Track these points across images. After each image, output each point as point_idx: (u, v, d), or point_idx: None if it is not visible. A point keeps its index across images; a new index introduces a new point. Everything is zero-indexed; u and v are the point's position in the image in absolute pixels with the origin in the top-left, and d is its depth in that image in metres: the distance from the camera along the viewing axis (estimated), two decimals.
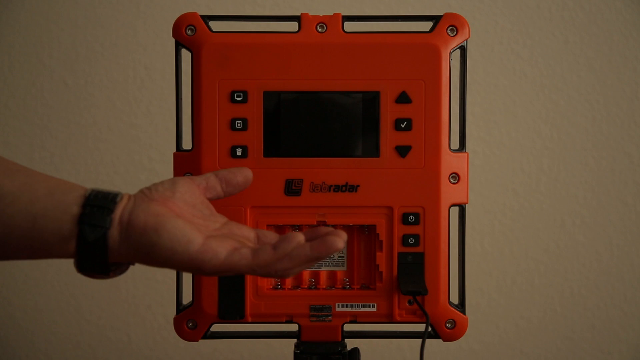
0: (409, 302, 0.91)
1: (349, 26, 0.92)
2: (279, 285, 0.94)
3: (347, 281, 0.94)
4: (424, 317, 0.91)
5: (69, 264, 1.44)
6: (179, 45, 0.92)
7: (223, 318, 0.92)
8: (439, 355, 1.41)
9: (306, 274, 0.94)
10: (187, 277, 0.93)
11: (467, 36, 0.92)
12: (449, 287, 0.92)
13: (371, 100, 0.91)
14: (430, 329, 0.92)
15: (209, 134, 0.91)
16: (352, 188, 0.91)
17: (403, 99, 0.91)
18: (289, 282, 0.94)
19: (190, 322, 0.92)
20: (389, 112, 0.91)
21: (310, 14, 0.91)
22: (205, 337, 0.93)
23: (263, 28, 0.94)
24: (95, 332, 1.42)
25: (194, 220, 0.80)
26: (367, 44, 0.91)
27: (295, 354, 0.93)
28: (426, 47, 0.91)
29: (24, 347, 1.43)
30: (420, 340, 0.88)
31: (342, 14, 0.91)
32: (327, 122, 0.91)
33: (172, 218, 0.77)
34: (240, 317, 0.91)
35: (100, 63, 1.40)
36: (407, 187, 0.91)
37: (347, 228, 0.94)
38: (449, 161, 0.91)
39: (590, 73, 1.41)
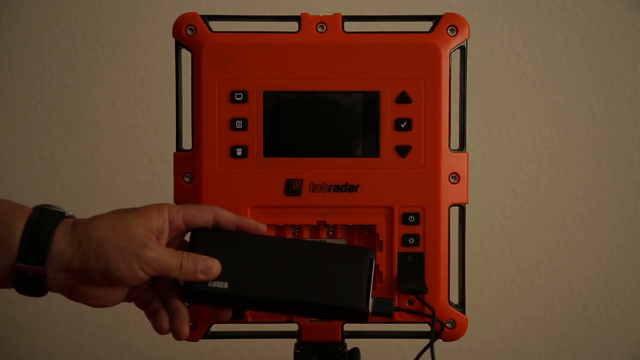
0: (409, 302, 0.91)
1: (349, 26, 0.91)
2: None
3: None
4: (424, 317, 0.91)
5: None
6: (179, 45, 0.92)
7: None
8: (439, 355, 1.41)
9: None
10: None
11: (467, 36, 0.92)
12: (449, 287, 0.92)
13: (371, 100, 0.91)
14: (431, 328, 0.92)
15: (209, 134, 0.91)
16: (352, 188, 0.91)
17: (403, 99, 0.91)
18: None
19: (190, 322, 0.92)
20: (389, 112, 0.91)
21: (310, 14, 0.91)
22: (205, 337, 0.93)
23: (263, 28, 0.94)
24: (95, 332, 1.42)
25: None
26: (367, 44, 0.91)
27: (295, 354, 0.93)
28: (426, 47, 0.91)
29: (24, 347, 1.43)
30: (422, 340, 0.88)
31: (342, 14, 0.91)
32: (327, 122, 0.91)
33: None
34: (240, 317, 0.91)
35: (100, 63, 1.40)
36: (407, 187, 0.91)
37: (347, 228, 0.94)
38: (449, 161, 0.91)
39: (590, 73, 1.41)
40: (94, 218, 0.82)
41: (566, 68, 1.41)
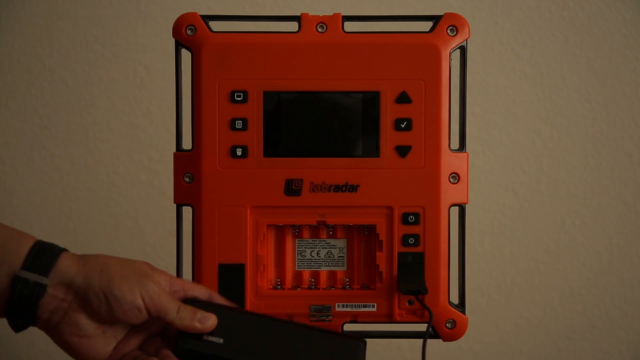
0: (409, 302, 0.91)
1: (349, 26, 0.91)
2: (279, 285, 0.94)
3: (347, 281, 0.94)
4: (424, 317, 0.91)
5: None
6: (179, 45, 0.92)
7: None
8: (439, 355, 1.41)
9: (306, 274, 0.94)
10: (187, 277, 0.93)
11: (467, 36, 0.92)
12: (449, 287, 0.92)
13: (371, 100, 0.91)
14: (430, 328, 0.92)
15: (209, 134, 0.91)
16: (352, 188, 0.91)
17: (403, 99, 0.91)
18: (288, 282, 0.94)
19: None
20: (389, 112, 0.91)
21: (310, 14, 0.91)
22: None
23: (263, 28, 0.94)
24: None
25: None
26: (367, 44, 0.91)
27: None
28: (426, 47, 0.91)
29: (24, 347, 1.43)
30: (421, 340, 0.88)
31: (342, 14, 0.91)
32: (327, 122, 0.91)
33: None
34: None
35: (100, 63, 1.40)
36: (407, 187, 0.91)
37: (347, 228, 0.94)
38: (449, 161, 0.91)
39: (590, 73, 1.41)
40: (101, 254, 0.83)
41: (566, 68, 1.41)
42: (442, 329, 0.92)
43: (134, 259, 0.83)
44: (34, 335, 1.42)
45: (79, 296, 0.79)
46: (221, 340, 0.82)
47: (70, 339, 0.81)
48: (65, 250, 0.81)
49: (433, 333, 0.92)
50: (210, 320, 0.82)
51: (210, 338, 0.82)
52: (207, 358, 0.83)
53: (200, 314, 0.82)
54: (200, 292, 0.85)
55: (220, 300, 0.85)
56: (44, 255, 0.79)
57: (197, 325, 0.82)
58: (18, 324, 0.80)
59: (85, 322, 0.80)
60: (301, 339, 0.83)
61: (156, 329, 0.84)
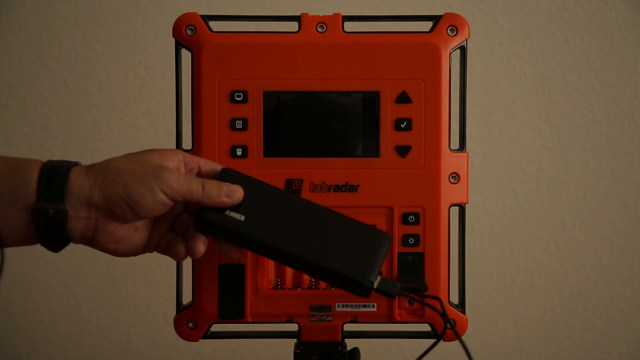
0: (409, 302, 0.91)
1: (349, 26, 0.92)
2: (279, 285, 0.94)
3: None
4: (424, 317, 0.91)
5: (69, 263, 1.44)
6: (179, 45, 0.92)
7: (223, 318, 0.92)
8: (439, 355, 1.41)
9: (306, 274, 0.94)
10: (187, 277, 0.93)
11: (467, 36, 0.92)
12: (449, 287, 0.92)
13: (371, 100, 0.91)
14: (430, 328, 0.93)
15: (209, 134, 0.91)
16: (352, 188, 0.91)
17: (403, 99, 0.91)
18: (289, 282, 0.94)
19: (190, 322, 0.92)
20: (389, 112, 0.91)
21: (310, 14, 0.92)
22: (205, 337, 0.93)
23: (263, 28, 0.94)
24: (95, 332, 1.42)
25: None
26: (367, 44, 0.91)
27: (295, 354, 0.93)
28: (426, 47, 0.91)
29: (24, 347, 1.43)
30: (421, 339, 0.88)
31: (342, 14, 0.91)
32: (327, 122, 0.91)
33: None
34: (240, 317, 0.91)
35: (100, 63, 1.40)
36: (407, 187, 0.91)
37: None
38: (449, 161, 0.91)
39: (590, 73, 1.41)
40: (108, 159, 0.83)
41: (566, 68, 1.41)
42: (442, 329, 0.92)
43: (142, 152, 0.83)
44: (34, 335, 1.42)
45: (101, 210, 0.80)
46: (242, 218, 0.82)
47: (108, 246, 0.83)
48: (73, 165, 0.81)
49: (433, 333, 0.92)
50: (238, 193, 0.82)
51: (233, 214, 0.82)
52: (228, 232, 0.83)
53: (226, 187, 0.82)
54: (215, 167, 0.86)
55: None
56: (53, 178, 0.79)
57: (224, 199, 0.82)
58: (56, 247, 0.81)
59: (117, 229, 0.82)
60: (325, 223, 0.84)
61: (179, 209, 0.85)
